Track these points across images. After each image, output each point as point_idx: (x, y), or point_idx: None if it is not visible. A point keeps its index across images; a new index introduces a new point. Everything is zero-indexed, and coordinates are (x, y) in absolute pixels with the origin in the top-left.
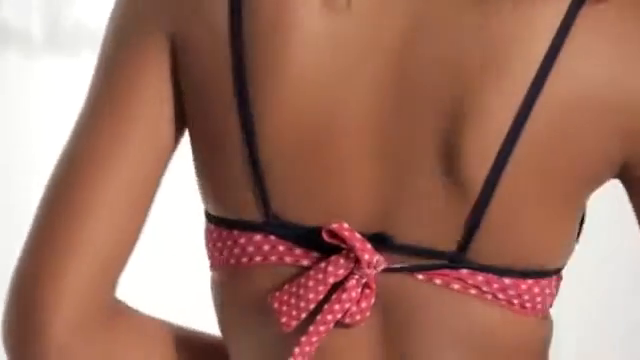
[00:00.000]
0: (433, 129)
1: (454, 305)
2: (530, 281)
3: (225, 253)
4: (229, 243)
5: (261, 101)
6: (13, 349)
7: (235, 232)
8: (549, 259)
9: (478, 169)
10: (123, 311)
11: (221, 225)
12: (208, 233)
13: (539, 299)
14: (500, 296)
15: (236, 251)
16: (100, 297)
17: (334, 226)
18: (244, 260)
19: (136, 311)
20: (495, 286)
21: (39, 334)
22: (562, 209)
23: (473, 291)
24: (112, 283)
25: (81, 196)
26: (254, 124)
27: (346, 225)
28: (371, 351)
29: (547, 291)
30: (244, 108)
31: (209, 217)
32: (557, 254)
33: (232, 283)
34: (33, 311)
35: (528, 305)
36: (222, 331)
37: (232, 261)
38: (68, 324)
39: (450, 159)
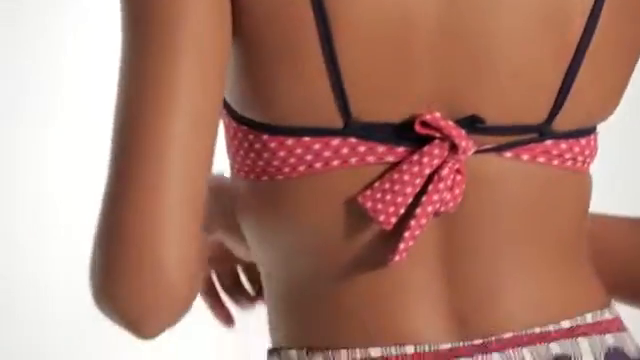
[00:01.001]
0: None
1: (536, 178)
2: (593, 136)
3: (292, 160)
4: (299, 151)
5: (335, 0)
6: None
7: (307, 139)
8: (611, 110)
9: (577, 17)
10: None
11: (285, 134)
12: (258, 144)
13: (594, 152)
14: (579, 158)
15: (308, 157)
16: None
17: (428, 117)
18: (318, 165)
19: None
20: (576, 150)
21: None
22: (633, 55)
23: (555, 162)
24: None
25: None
26: (330, 25)
27: (438, 114)
28: (443, 235)
29: (597, 143)
30: (319, 9)
31: (261, 126)
32: (617, 104)
33: (296, 193)
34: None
35: (588, 161)
36: (261, 248)
37: (301, 168)
38: (177, 259)
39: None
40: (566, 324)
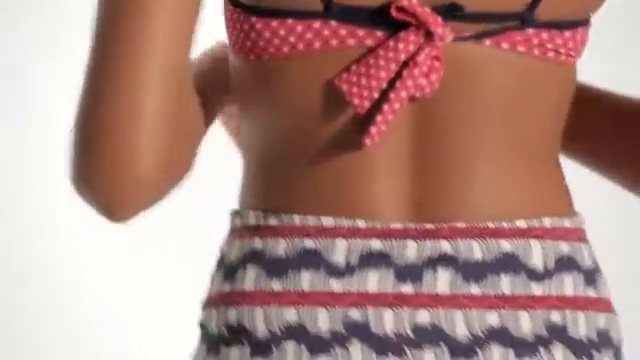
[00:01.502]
0: None
1: (516, 67)
2: (580, 30)
3: (276, 41)
4: (282, 33)
5: None
6: (100, 188)
7: (290, 21)
8: (595, 2)
9: None
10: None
11: (270, 15)
12: (246, 25)
13: (581, 47)
14: (561, 50)
15: (292, 39)
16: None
17: (404, 2)
18: (300, 46)
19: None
20: (558, 41)
21: (129, 171)
22: None
23: (536, 51)
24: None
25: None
26: None
27: (415, 0)
28: (414, 121)
29: (586, 38)
30: None
31: (250, 9)
32: None
33: (280, 73)
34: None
35: (573, 54)
36: (251, 127)
37: (285, 49)
38: (156, 158)
39: None
40: (521, 224)
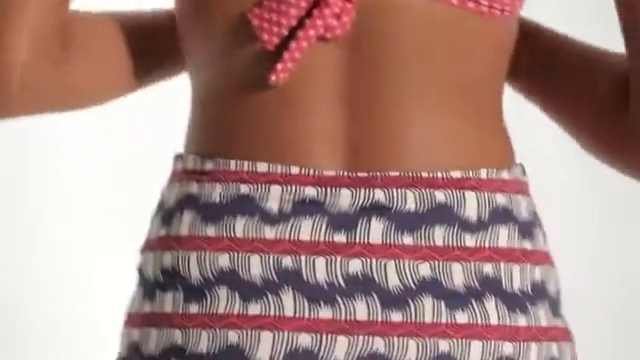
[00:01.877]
0: None
1: (437, 14)
2: None
3: None
4: None
5: None
6: None
7: None
8: None
9: None
10: (77, 35)
11: None
12: None
13: (513, 2)
14: (483, 2)
15: None
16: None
17: None
18: None
19: (87, 18)
20: None
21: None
22: None
23: (454, 1)
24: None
25: None
26: None
27: None
28: (344, 65)
29: None
30: None
31: None
32: None
33: (210, 8)
34: None
35: (497, 7)
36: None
37: None
38: (28, 53)
39: None
40: (456, 174)
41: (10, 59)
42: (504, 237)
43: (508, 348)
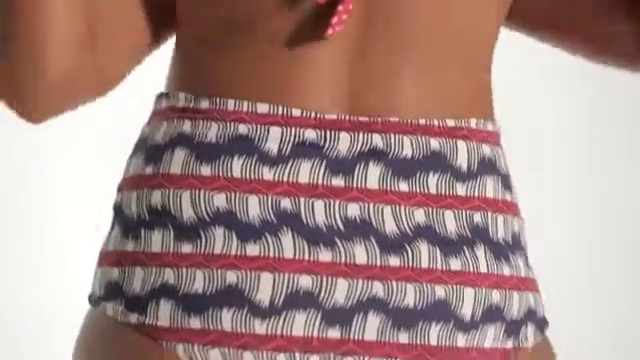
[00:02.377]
0: None
1: None
2: None
3: None
4: None
5: None
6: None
7: None
8: None
9: None
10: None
11: None
12: None
13: None
14: None
15: None
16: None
17: None
18: None
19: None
20: None
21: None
22: None
23: None
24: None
25: None
26: None
27: None
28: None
29: None
30: None
31: None
32: None
33: None
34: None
35: None
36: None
37: None
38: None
39: None
40: (451, 123)
41: (58, 67)
42: (490, 187)
43: (496, 296)
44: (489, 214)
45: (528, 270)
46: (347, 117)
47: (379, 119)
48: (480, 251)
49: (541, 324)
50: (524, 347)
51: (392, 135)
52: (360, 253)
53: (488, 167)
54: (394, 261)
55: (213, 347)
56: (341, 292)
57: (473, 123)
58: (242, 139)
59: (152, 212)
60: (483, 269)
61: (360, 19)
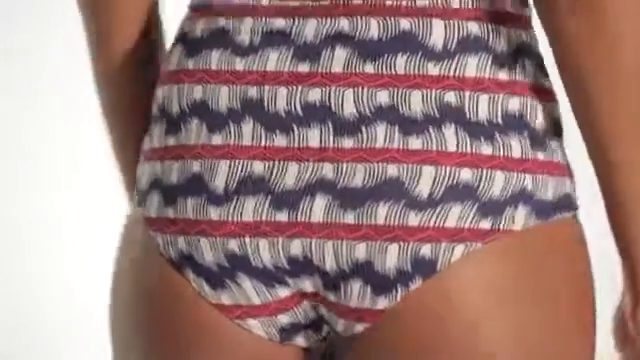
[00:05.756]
0: None
1: None
2: None
3: None
4: None
5: None
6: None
7: None
8: None
9: None
10: None
11: None
12: None
13: None
14: None
15: None
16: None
17: None
18: None
19: None
20: None
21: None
22: None
23: None
24: None
25: None
26: None
27: None
28: None
29: None
30: None
31: None
32: None
33: None
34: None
35: None
36: None
37: None
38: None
39: None
40: (421, 3)
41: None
42: (472, 66)
43: (466, 174)
44: (466, 93)
45: (535, 151)
46: (310, 3)
47: (341, 1)
48: (449, 130)
49: (544, 208)
50: (507, 229)
51: (358, 17)
52: (313, 136)
53: (474, 45)
54: (347, 143)
55: (179, 235)
56: (291, 176)
57: (456, 3)
58: (220, 32)
59: (157, 108)
60: (451, 148)
61: None
